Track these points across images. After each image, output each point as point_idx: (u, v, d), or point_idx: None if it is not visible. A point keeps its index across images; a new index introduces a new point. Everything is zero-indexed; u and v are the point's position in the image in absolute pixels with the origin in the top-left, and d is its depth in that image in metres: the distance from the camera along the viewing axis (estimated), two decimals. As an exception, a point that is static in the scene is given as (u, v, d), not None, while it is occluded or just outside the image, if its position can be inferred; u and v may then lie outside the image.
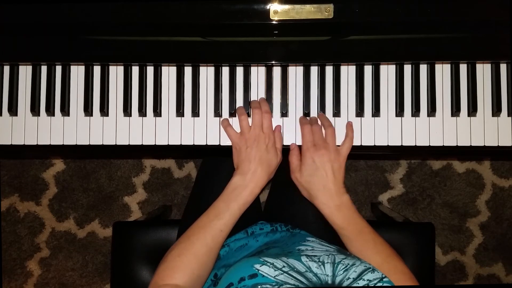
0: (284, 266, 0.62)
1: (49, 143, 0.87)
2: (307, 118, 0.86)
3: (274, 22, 0.79)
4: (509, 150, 0.85)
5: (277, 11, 0.78)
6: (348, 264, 0.64)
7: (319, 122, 0.84)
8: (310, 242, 0.79)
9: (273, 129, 0.83)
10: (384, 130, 0.85)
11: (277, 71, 0.87)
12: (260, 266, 0.62)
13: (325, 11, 0.78)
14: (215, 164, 1.00)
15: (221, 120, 0.86)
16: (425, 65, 0.86)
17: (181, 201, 1.57)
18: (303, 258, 0.65)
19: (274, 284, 0.59)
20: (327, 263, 0.65)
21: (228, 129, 0.84)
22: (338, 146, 0.82)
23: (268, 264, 0.63)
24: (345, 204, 0.77)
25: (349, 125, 0.84)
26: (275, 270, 0.61)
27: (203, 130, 0.87)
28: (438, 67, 0.86)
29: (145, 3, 0.79)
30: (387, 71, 0.86)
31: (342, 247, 0.80)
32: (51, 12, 0.80)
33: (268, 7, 0.78)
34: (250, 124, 0.83)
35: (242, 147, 0.81)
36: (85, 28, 0.81)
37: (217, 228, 0.76)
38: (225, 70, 0.87)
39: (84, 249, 1.59)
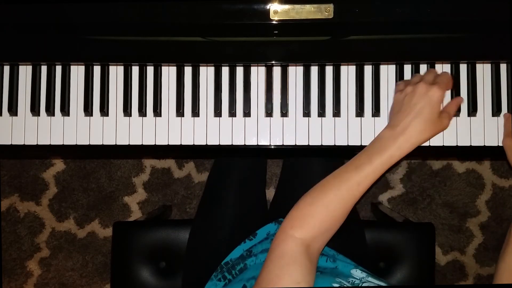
0: None
1: (49, 143, 0.87)
2: None
3: (274, 22, 0.79)
4: (509, 150, 0.85)
5: (277, 11, 0.78)
6: None
7: None
8: (359, 272, 0.77)
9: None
10: (384, 130, 0.85)
11: (277, 71, 0.87)
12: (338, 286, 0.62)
13: (325, 11, 0.78)
14: (228, 164, 1.00)
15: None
16: (425, 65, 0.86)
17: (181, 201, 1.57)
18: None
19: None
20: None
21: (398, 83, 0.76)
22: None
23: (344, 283, 0.62)
24: None
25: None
26: None
27: (203, 130, 0.87)
28: (438, 67, 0.86)
29: (145, 3, 0.79)
30: (387, 71, 0.86)
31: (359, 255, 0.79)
32: (51, 12, 0.80)
33: (268, 7, 0.78)
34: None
35: (401, 96, 0.71)
36: (85, 28, 0.81)
37: (355, 180, 0.68)
38: (225, 70, 0.87)
39: (84, 249, 1.59)
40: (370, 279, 0.76)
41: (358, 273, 0.79)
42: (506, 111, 0.85)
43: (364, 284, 0.71)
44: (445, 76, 0.75)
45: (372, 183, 0.69)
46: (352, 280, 0.73)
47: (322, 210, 0.67)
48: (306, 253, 0.65)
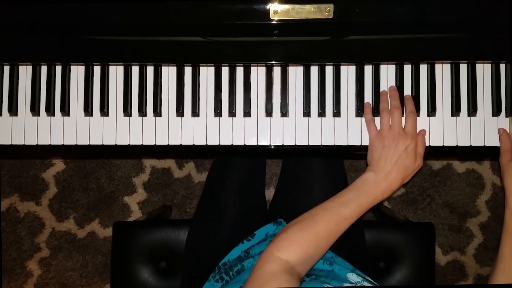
0: None
1: (49, 143, 0.87)
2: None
3: (274, 22, 0.79)
4: (509, 150, 0.85)
5: (277, 11, 0.78)
6: None
7: None
8: (355, 276, 0.79)
9: (417, 132, 0.81)
10: (384, 130, 0.85)
11: (277, 71, 0.87)
12: None
13: (325, 11, 0.78)
14: (228, 164, 1.00)
15: (364, 112, 0.84)
16: (425, 65, 0.86)
17: (181, 201, 1.57)
18: None
19: None
20: None
21: (370, 124, 0.82)
22: None
23: None
24: None
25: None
26: None
27: (203, 130, 0.86)
28: (438, 67, 0.86)
29: (145, 3, 0.79)
30: (387, 71, 0.86)
31: (356, 260, 0.79)
32: (51, 12, 0.80)
33: (268, 7, 0.78)
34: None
35: (379, 145, 0.79)
36: (85, 28, 0.81)
37: (342, 215, 0.74)
38: (225, 70, 0.87)
39: (84, 249, 1.59)
40: (365, 283, 0.76)
41: (353, 277, 0.79)
42: (506, 111, 0.85)
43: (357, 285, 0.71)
44: (413, 122, 0.80)
45: (355, 220, 0.76)
46: (347, 285, 0.73)
47: (311, 238, 0.72)
48: (289, 273, 0.67)
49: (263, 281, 0.65)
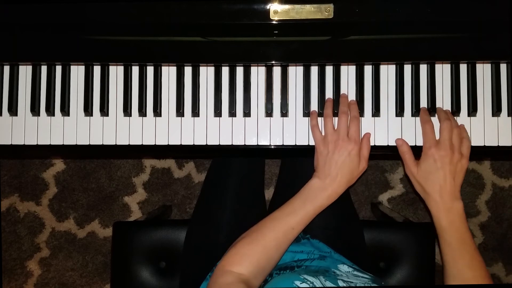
0: None
1: (49, 143, 0.87)
2: (428, 115, 0.83)
3: (274, 22, 0.79)
4: (509, 150, 0.85)
5: (277, 11, 0.78)
6: None
7: (447, 119, 0.80)
8: (344, 269, 0.79)
9: (361, 136, 0.82)
10: (384, 130, 0.85)
11: (277, 71, 0.87)
12: (301, 283, 0.64)
13: (325, 11, 0.78)
14: (226, 164, 1.00)
15: (310, 118, 0.84)
16: (425, 65, 0.86)
17: (181, 201, 1.57)
18: (340, 283, 0.66)
19: None
20: None
21: (315, 129, 0.83)
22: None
23: (308, 282, 0.64)
24: (456, 209, 0.76)
25: (463, 127, 0.83)
26: None
27: (203, 130, 0.87)
28: (438, 67, 0.86)
29: (145, 3, 0.79)
30: (387, 71, 0.86)
31: (359, 261, 0.80)
32: (51, 12, 0.80)
33: (268, 7, 0.78)
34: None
35: (324, 151, 0.80)
36: (85, 28, 0.81)
37: (290, 224, 0.76)
38: (225, 70, 0.87)
39: (84, 249, 1.59)
40: (355, 273, 0.76)
41: (344, 268, 0.79)
42: (506, 111, 0.85)
43: (349, 279, 0.71)
44: (356, 127, 0.81)
45: (303, 227, 0.78)
46: (335, 272, 0.73)
47: (260, 250, 0.73)
48: (242, 282, 0.68)
49: None
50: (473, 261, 0.75)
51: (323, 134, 0.83)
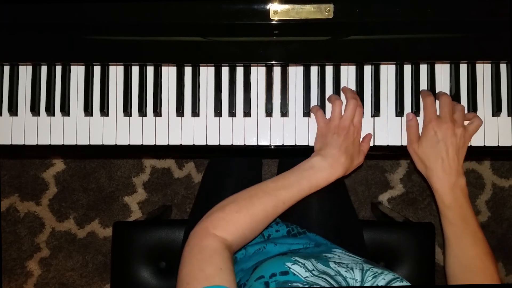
0: (313, 270, 0.63)
1: (49, 143, 0.87)
2: (430, 92, 0.82)
3: (274, 22, 0.79)
4: (509, 150, 0.85)
5: (277, 11, 0.78)
6: (377, 272, 0.64)
7: (447, 95, 0.79)
8: (337, 252, 0.78)
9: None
10: (384, 130, 0.85)
11: (277, 71, 0.87)
12: (292, 264, 0.63)
13: (325, 11, 0.78)
14: (224, 164, 1.00)
15: (311, 106, 0.85)
16: (425, 65, 0.86)
17: (181, 201, 1.57)
18: (332, 264, 0.65)
19: (304, 284, 0.59)
20: (355, 269, 0.65)
21: (318, 113, 0.83)
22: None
23: (300, 263, 0.63)
24: (459, 186, 0.74)
25: (475, 114, 0.82)
26: (306, 271, 0.62)
27: (203, 130, 0.87)
28: (438, 67, 0.86)
29: (145, 3, 0.79)
30: (387, 71, 0.86)
31: (357, 252, 0.79)
32: (51, 12, 0.80)
33: (268, 7, 0.78)
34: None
35: (329, 133, 0.79)
36: (85, 28, 0.81)
37: (281, 198, 0.73)
38: (225, 70, 0.87)
39: (84, 249, 1.59)
40: (348, 254, 0.77)
41: (337, 250, 0.79)
42: (506, 111, 0.85)
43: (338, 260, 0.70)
44: (360, 117, 0.81)
45: (293, 203, 0.75)
46: (326, 255, 0.73)
47: (247, 219, 0.71)
48: (226, 249, 0.66)
49: (204, 256, 0.63)
50: (476, 239, 0.73)
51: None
